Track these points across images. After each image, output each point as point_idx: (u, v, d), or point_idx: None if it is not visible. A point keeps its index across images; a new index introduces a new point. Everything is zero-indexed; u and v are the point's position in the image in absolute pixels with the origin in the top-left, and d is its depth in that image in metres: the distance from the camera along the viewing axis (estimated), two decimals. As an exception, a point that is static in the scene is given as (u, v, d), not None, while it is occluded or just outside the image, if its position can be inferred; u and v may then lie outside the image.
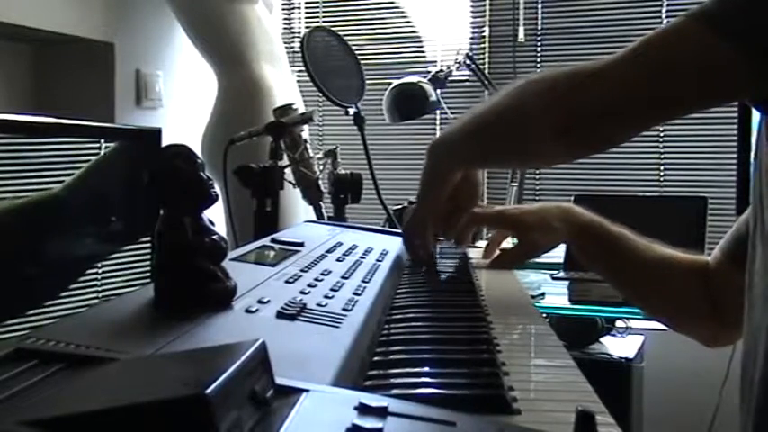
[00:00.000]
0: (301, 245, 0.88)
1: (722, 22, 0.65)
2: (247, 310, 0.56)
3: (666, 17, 2.57)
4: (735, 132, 1.89)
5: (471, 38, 2.83)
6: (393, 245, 1.03)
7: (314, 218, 1.58)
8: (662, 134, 2.59)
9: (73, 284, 1.23)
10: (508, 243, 1.24)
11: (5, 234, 1.13)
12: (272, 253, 0.83)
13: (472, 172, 0.95)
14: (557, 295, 1.97)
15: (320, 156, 1.60)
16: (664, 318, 1.00)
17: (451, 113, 2.42)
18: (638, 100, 0.72)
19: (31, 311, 1.14)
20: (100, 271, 1.30)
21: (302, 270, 0.75)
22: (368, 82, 1.72)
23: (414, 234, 0.96)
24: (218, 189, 0.59)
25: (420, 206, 0.93)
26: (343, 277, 0.75)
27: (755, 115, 0.80)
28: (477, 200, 0.99)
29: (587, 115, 0.74)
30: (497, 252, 1.08)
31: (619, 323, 2.22)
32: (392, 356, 0.60)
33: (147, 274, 1.37)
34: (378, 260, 0.90)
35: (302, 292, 0.65)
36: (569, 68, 0.76)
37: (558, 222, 0.95)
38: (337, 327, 0.57)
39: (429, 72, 2.32)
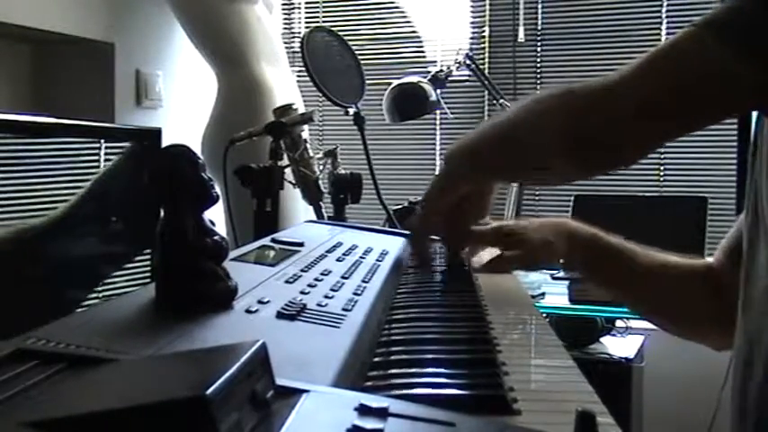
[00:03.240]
0: (301, 245, 0.88)
1: (732, 33, 0.64)
2: (248, 311, 0.56)
3: (666, 17, 2.57)
4: (735, 132, 1.90)
5: (471, 38, 2.83)
6: (393, 245, 1.03)
7: (314, 218, 1.58)
8: (662, 134, 2.59)
9: (95, 290, 1.25)
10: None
11: (28, 253, 1.14)
12: (272, 253, 0.83)
13: (485, 186, 0.94)
14: (557, 295, 1.97)
15: (320, 156, 1.60)
16: (669, 325, 1.00)
17: (451, 113, 2.42)
18: (650, 116, 0.70)
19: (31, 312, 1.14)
20: (100, 271, 1.31)
21: (302, 270, 0.75)
22: (368, 82, 1.72)
23: (416, 234, 0.96)
24: (218, 189, 0.59)
25: (426, 207, 0.92)
26: (343, 277, 0.75)
27: (754, 114, 0.80)
28: (485, 214, 0.98)
29: (600, 133, 0.73)
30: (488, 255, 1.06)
31: (619, 323, 2.23)
32: (392, 357, 0.60)
33: (148, 274, 1.37)
34: (378, 260, 0.90)
35: (302, 293, 0.65)
36: (584, 84, 0.74)
37: (558, 239, 0.94)
38: (337, 327, 0.57)
39: (429, 72, 2.32)
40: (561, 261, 1.00)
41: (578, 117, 0.74)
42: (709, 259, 0.94)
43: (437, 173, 0.90)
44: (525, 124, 0.80)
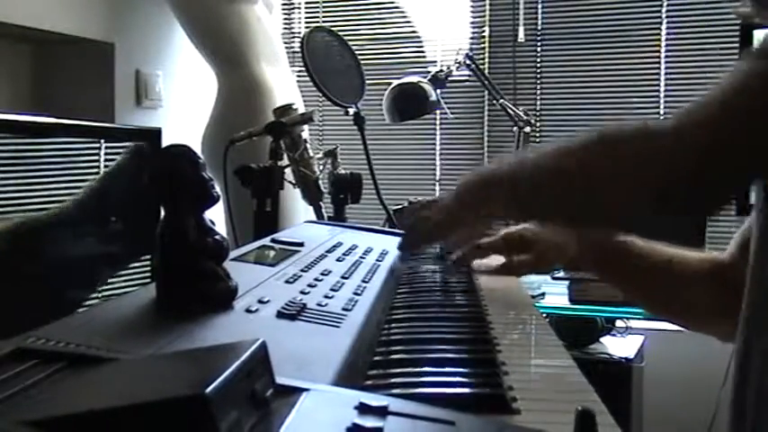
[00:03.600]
0: (301, 245, 0.88)
1: None
2: (248, 310, 0.56)
3: (666, 17, 2.57)
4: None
5: (471, 38, 2.83)
6: (393, 245, 1.03)
7: (314, 218, 1.58)
8: (662, 134, 2.59)
9: (95, 290, 1.25)
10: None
11: (27, 249, 1.14)
12: (272, 253, 0.83)
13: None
14: (557, 295, 1.97)
15: (320, 156, 1.60)
16: (677, 318, 0.99)
17: (451, 113, 2.42)
18: (733, 157, 0.64)
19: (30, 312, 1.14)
20: (100, 271, 1.31)
21: (302, 270, 0.75)
22: (368, 82, 1.72)
23: (417, 239, 0.95)
24: (218, 189, 0.59)
25: (434, 228, 0.87)
26: (343, 277, 0.75)
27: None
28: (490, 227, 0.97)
29: (677, 181, 0.66)
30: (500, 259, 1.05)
31: (619, 323, 2.22)
32: (392, 356, 0.61)
33: (148, 274, 1.37)
34: (378, 260, 0.90)
35: (302, 292, 0.65)
36: (653, 127, 0.68)
37: (568, 239, 0.94)
38: (337, 327, 0.57)
39: (429, 72, 2.32)
40: (572, 261, 0.99)
41: (660, 163, 0.66)
42: (716, 253, 0.93)
43: (463, 188, 0.81)
44: (597, 171, 0.70)
